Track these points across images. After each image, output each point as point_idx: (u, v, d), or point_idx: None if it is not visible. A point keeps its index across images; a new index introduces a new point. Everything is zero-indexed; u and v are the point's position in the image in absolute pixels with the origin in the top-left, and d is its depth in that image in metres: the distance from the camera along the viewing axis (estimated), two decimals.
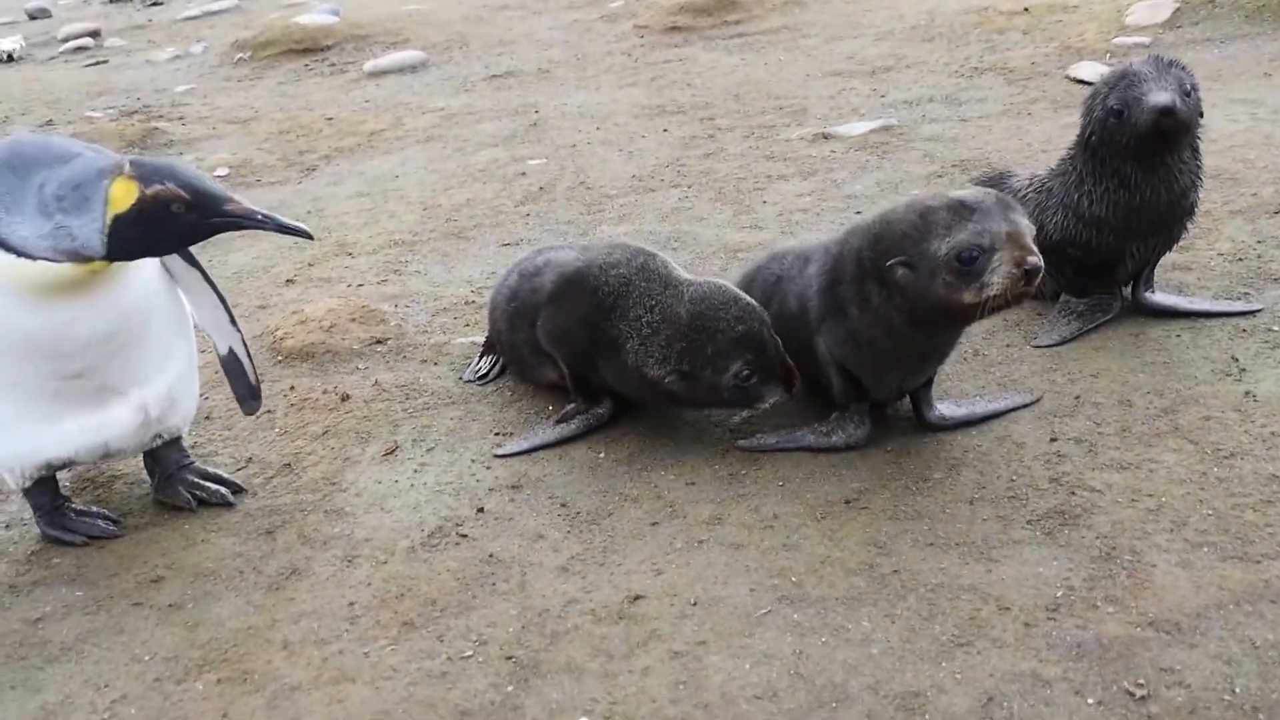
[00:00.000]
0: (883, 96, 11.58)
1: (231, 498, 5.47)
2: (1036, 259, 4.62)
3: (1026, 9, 13.81)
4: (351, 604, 4.66)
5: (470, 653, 4.29)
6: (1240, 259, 6.60)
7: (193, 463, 5.59)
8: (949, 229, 4.76)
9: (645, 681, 4.04)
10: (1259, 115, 9.10)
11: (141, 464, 5.65)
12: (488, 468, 5.56)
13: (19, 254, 4.48)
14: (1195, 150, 5.95)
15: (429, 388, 6.40)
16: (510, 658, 4.24)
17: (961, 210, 4.77)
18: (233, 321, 5.51)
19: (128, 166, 4.51)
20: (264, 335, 7.06)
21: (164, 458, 5.50)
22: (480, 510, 5.22)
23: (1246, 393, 5.34)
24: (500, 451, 5.66)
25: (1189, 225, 6.16)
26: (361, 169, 11.47)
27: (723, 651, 4.14)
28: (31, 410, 4.95)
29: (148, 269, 4.96)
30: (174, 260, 5.20)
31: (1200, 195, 6.07)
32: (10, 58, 20.17)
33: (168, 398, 5.28)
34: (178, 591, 4.88)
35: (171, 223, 4.53)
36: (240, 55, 17.56)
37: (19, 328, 4.65)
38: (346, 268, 8.49)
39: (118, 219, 4.46)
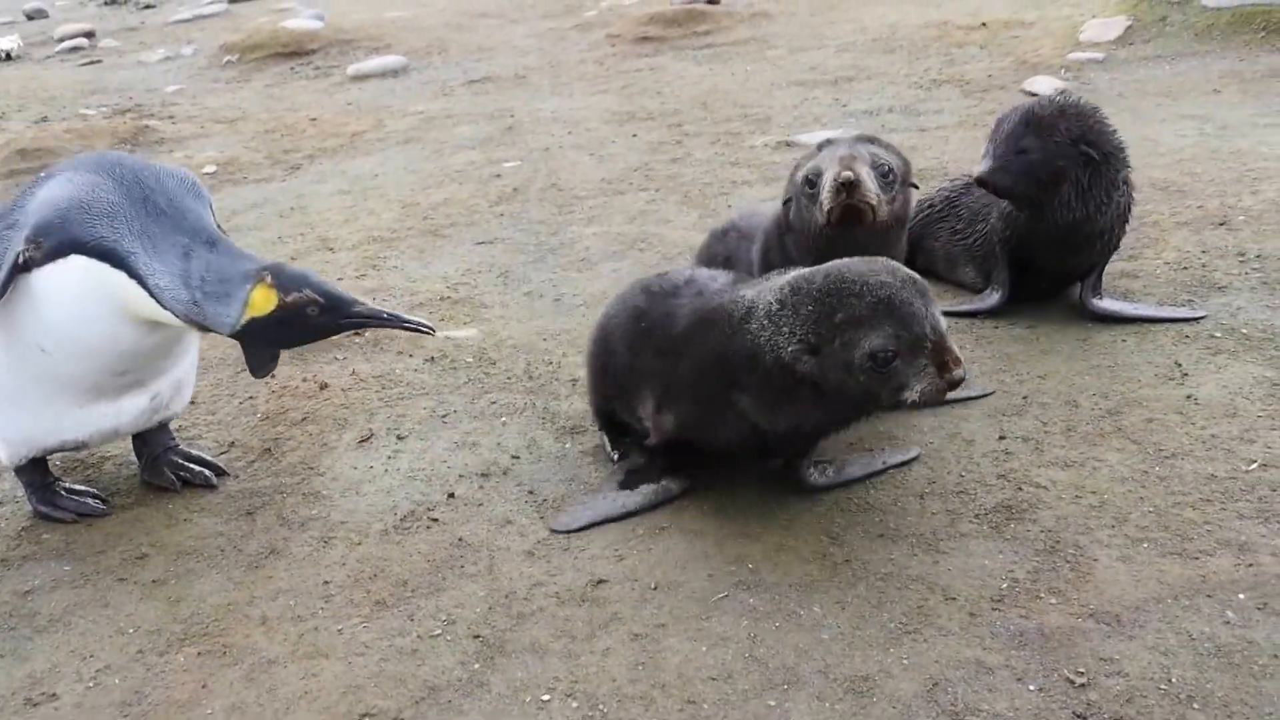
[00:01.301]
0: (844, 106, 11.59)
1: (214, 479, 5.47)
2: (850, 173, 5.13)
3: (984, 24, 13.87)
4: (327, 583, 4.67)
5: (439, 631, 4.30)
6: (1185, 268, 6.62)
7: (178, 445, 5.59)
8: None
9: (606, 662, 4.05)
10: (1206, 130, 9.14)
11: (129, 446, 5.66)
12: (458, 455, 5.57)
13: (150, 294, 4.59)
14: (1093, 181, 6.04)
15: (404, 378, 6.40)
16: (477, 637, 4.25)
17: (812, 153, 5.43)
18: None
19: (269, 277, 4.60)
20: None
21: (152, 440, 5.51)
22: (451, 496, 5.23)
23: (1188, 396, 5.36)
24: (556, 526, 4.93)
25: (1102, 245, 6.28)
26: (343, 168, 11.45)
27: (681, 634, 4.16)
28: (62, 399, 4.99)
29: None
30: None
31: (1110, 219, 6.16)
32: (9, 56, 20.13)
33: (176, 386, 5.35)
34: (161, 568, 4.88)
35: (304, 323, 4.64)
36: (228, 58, 17.54)
37: (103, 332, 4.75)
38: (327, 262, 8.46)
39: (254, 320, 4.59)
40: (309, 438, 5.85)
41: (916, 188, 5.46)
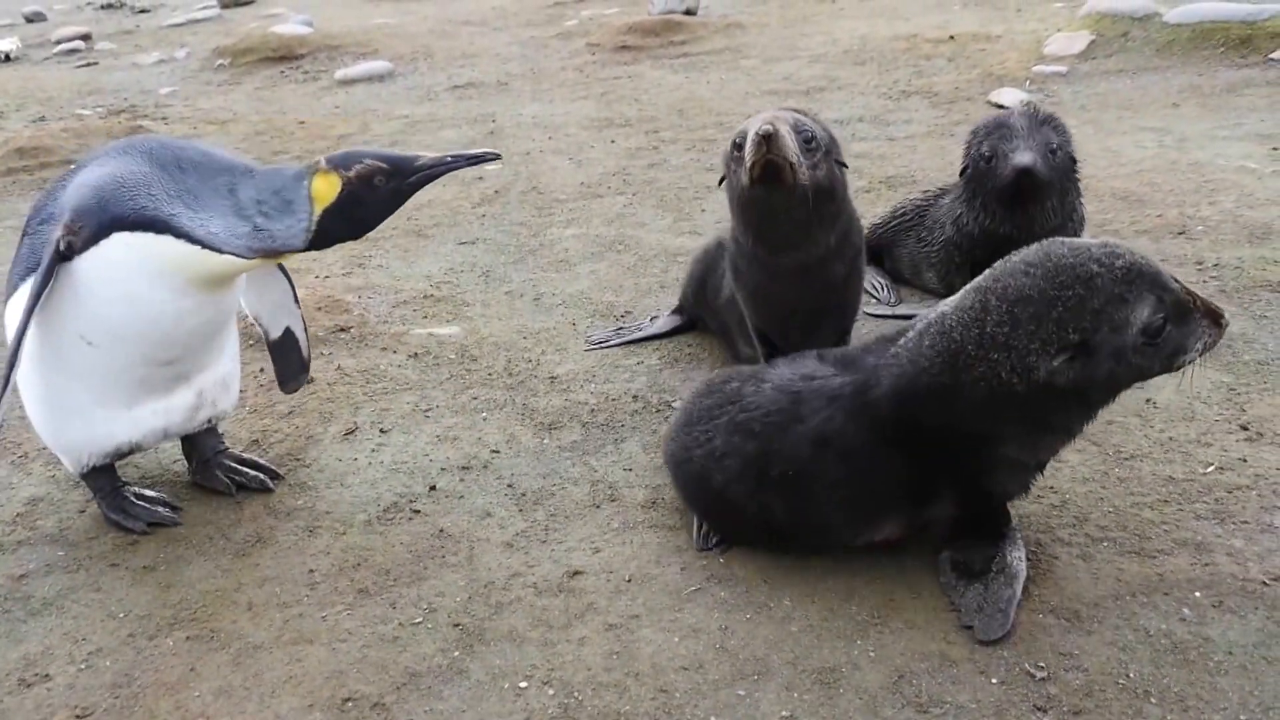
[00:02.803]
0: (815, 116, 11.57)
1: (271, 484, 5.34)
2: (769, 126, 4.91)
3: (952, 37, 13.87)
4: (312, 571, 4.66)
5: (420, 619, 4.29)
6: None
7: (229, 449, 5.47)
8: None
9: (581, 651, 4.05)
10: (1166, 143, 9.16)
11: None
12: (440, 449, 5.56)
13: (204, 246, 4.44)
14: (1066, 195, 5.96)
15: (388, 373, 6.39)
16: (457, 625, 4.24)
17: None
18: (295, 300, 5.45)
19: (322, 163, 4.53)
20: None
21: (202, 444, 5.38)
22: (432, 488, 5.22)
23: (1147, 400, 5.36)
24: (987, 636, 3.96)
25: None
26: None
27: (654, 625, 4.15)
28: (112, 396, 4.85)
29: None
30: None
31: (1076, 227, 6.04)
32: (7, 58, 20.07)
33: (222, 383, 5.21)
34: (152, 554, 4.87)
35: (375, 195, 4.55)
36: (220, 61, 17.48)
37: (150, 311, 4.56)
38: (314, 260, 8.42)
39: (326, 212, 4.49)
40: (295, 430, 5.83)
41: (845, 166, 5.32)
